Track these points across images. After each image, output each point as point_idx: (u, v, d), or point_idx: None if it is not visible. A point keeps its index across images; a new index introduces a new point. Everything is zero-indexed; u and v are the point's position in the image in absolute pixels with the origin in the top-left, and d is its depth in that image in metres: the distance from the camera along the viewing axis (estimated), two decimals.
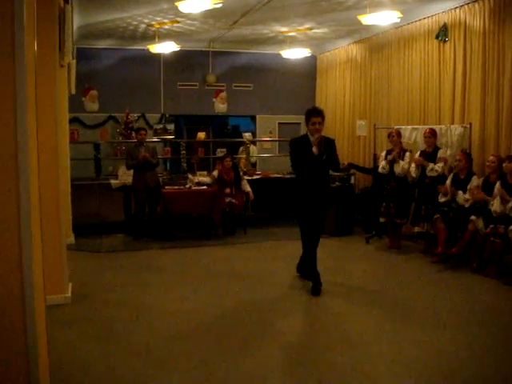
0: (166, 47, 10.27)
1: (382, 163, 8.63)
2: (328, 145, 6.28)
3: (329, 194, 6.66)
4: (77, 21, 9.47)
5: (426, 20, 9.45)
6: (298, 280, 6.95)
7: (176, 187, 9.74)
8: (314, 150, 6.12)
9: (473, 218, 7.19)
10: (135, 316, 5.59)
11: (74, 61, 9.57)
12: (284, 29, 10.91)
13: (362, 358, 4.49)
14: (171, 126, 12.26)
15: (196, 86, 12.63)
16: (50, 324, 5.07)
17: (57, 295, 5.79)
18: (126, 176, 9.91)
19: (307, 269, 6.62)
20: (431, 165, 8.01)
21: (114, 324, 5.35)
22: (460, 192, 7.48)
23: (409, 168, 8.37)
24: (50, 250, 5.63)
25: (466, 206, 7.35)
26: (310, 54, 11.88)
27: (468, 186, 7.47)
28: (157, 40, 10.31)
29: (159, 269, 7.65)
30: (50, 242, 5.64)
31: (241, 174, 10.39)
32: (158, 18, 9.73)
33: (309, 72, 13.48)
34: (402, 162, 8.40)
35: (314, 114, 6.25)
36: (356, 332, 5.12)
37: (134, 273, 7.41)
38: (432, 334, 4.99)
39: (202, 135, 12.01)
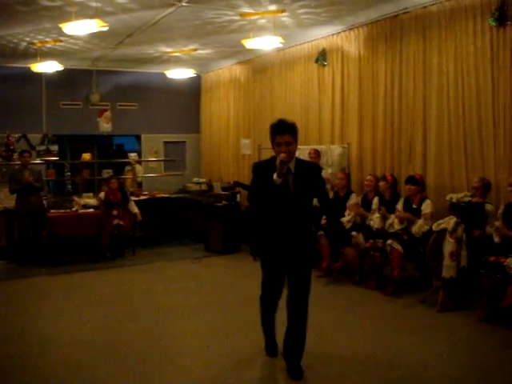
0: (48, 66, 10.03)
1: None
2: (307, 174, 4.58)
3: (307, 246, 4.69)
4: None
5: (306, 44, 9.93)
6: (189, 299, 7.10)
7: (62, 211, 9.49)
8: (275, 176, 4.32)
9: (353, 233, 7.65)
10: (29, 349, 5.38)
11: None
12: (169, 49, 11.03)
13: None
14: (55, 147, 11.92)
15: (80, 105, 12.37)
16: None
17: None
18: (8, 200, 9.55)
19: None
20: None
21: (5, 360, 5.13)
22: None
23: None
24: None
25: (348, 226, 7.80)
26: (194, 74, 12.07)
27: (347, 203, 7.96)
28: (39, 59, 10.04)
29: (48, 296, 7.43)
30: None
31: (128, 194, 10.34)
32: (40, 37, 9.51)
33: (193, 91, 13.66)
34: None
35: (279, 131, 4.48)
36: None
37: (22, 302, 7.13)
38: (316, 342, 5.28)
39: (87, 156, 11.82)
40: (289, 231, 4.53)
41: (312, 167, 4.74)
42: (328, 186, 8.34)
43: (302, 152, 9.04)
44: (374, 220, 7.42)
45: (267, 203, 4.59)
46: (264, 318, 5.00)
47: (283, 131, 4.46)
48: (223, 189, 10.94)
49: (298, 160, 4.63)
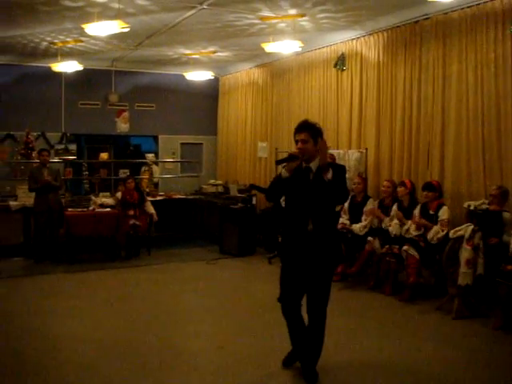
0: (68, 66, 10.13)
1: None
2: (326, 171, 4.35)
3: (328, 251, 4.61)
4: None
5: (325, 49, 9.93)
6: (203, 300, 7.13)
7: (79, 209, 9.58)
8: (283, 170, 4.49)
9: (369, 238, 7.63)
10: (45, 347, 5.41)
11: None
12: (188, 51, 11.09)
13: None
14: (73, 147, 12.02)
15: (98, 105, 12.47)
16: None
17: None
18: (26, 197, 9.63)
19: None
20: None
21: (24, 357, 5.16)
22: (354, 225, 7.93)
23: None
24: None
25: (364, 232, 7.79)
26: (213, 77, 12.12)
27: (364, 209, 7.94)
28: (59, 58, 10.15)
29: (65, 294, 7.47)
30: None
31: (144, 195, 10.40)
32: (61, 37, 9.61)
33: (211, 93, 13.72)
34: None
35: (297, 130, 4.57)
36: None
37: (39, 299, 7.16)
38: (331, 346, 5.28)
39: (104, 156, 11.92)
40: (308, 232, 4.51)
41: (335, 167, 4.51)
42: None
43: None
44: (393, 226, 7.40)
45: (288, 202, 4.70)
46: (286, 322, 4.81)
47: (301, 130, 4.56)
48: (239, 191, 10.97)
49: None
